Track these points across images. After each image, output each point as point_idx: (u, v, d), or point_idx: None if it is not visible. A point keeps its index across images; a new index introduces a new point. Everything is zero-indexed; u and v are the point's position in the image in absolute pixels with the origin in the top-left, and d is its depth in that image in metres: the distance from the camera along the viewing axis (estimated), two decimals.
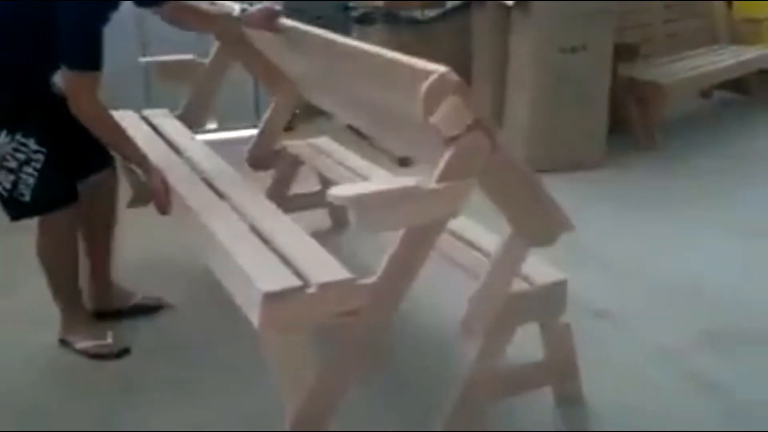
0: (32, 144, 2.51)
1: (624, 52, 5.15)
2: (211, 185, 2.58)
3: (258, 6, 2.85)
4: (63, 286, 2.76)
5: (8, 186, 2.54)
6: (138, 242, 3.39)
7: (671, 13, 6.00)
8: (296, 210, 3.18)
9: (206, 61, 3.33)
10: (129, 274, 3.10)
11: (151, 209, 2.70)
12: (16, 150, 2.51)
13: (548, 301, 2.38)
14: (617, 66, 5.05)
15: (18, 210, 2.59)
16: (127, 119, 3.13)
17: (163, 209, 2.59)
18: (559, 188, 4.22)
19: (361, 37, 5.28)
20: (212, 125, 4.74)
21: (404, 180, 2.00)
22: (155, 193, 2.58)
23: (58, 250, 2.69)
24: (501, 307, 2.25)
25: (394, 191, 1.95)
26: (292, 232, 2.25)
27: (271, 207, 2.40)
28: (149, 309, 3.01)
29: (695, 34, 6.16)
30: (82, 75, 2.45)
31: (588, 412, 2.52)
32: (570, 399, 2.52)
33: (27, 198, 2.55)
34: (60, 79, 2.55)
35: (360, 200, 1.91)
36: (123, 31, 3.45)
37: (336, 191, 1.92)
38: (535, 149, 4.75)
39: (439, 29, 5.35)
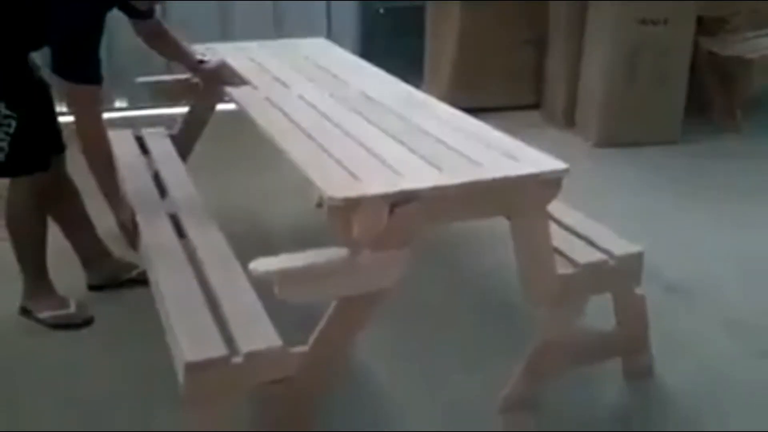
0: (3, 109, 2.56)
1: (707, 26, 4.89)
2: (176, 221, 2.55)
3: (214, 61, 3.04)
4: (27, 254, 2.83)
5: None
6: None
7: None
8: None
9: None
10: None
11: None
12: None
13: (624, 272, 2.41)
14: (698, 40, 4.81)
15: None
16: (120, 139, 3.11)
17: (131, 246, 2.58)
18: (632, 163, 4.44)
19: (434, 5, 5.31)
20: None
21: (335, 251, 1.94)
22: (122, 231, 2.61)
23: (24, 217, 2.76)
24: (570, 276, 2.30)
25: (319, 265, 1.89)
26: (238, 289, 2.20)
27: (227, 256, 2.36)
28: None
29: None
30: (79, 88, 2.47)
31: (656, 386, 2.56)
32: (639, 372, 2.58)
33: (2, 158, 2.62)
34: (57, 86, 2.56)
35: (284, 275, 1.86)
36: None
37: (259, 265, 1.87)
38: (607, 123, 4.70)
39: None
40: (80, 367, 2.65)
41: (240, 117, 2.75)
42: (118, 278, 3.07)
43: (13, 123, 2.57)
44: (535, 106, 5.30)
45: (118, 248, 3.08)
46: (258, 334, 2.01)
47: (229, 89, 2.95)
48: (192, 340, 1.97)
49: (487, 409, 2.40)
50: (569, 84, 4.99)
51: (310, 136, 2.38)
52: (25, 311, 2.89)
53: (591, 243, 2.44)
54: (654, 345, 2.58)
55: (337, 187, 1.96)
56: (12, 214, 2.76)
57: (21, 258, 2.84)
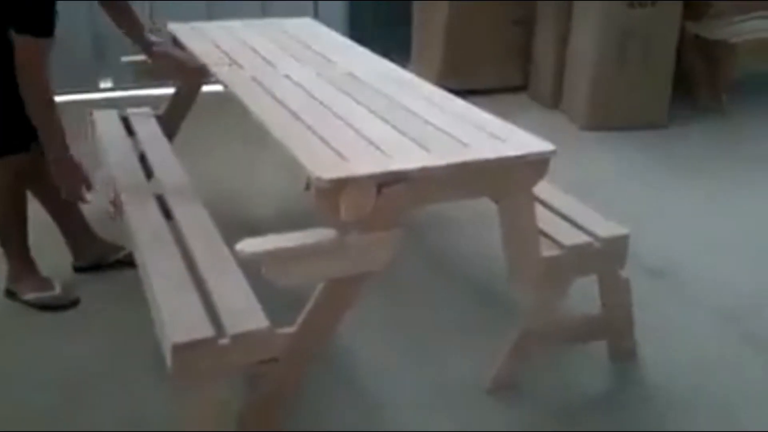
0: None
1: (693, 10, 4.89)
2: (162, 203, 2.54)
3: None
4: (8, 236, 2.83)
5: None
6: None
7: None
8: None
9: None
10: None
11: None
12: None
13: (609, 255, 2.43)
14: (685, 24, 4.82)
15: None
16: (105, 118, 3.09)
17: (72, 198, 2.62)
18: (619, 147, 4.46)
19: None
20: None
21: (323, 232, 1.93)
22: (61, 184, 2.59)
23: (2, 198, 2.74)
24: (555, 258, 2.31)
25: (302, 248, 1.88)
26: (225, 270, 2.19)
27: (213, 237, 2.34)
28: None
29: None
30: (30, 41, 2.41)
31: (640, 369, 2.59)
32: (623, 354, 2.60)
33: None
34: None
35: (271, 256, 1.85)
36: None
37: (246, 246, 1.86)
38: (596, 106, 4.72)
39: None
40: (66, 349, 2.64)
41: (227, 98, 2.73)
42: (105, 260, 3.06)
43: None
44: (524, 87, 5.30)
45: (104, 231, 3.09)
46: (245, 315, 2.00)
47: (212, 67, 2.92)
48: (179, 322, 1.96)
49: (474, 390, 2.42)
50: (557, 66, 5.01)
51: (297, 117, 2.37)
52: (10, 293, 2.88)
53: (576, 225, 2.45)
54: (638, 328, 2.60)
55: (324, 167, 1.95)
56: None
57: (2, 240, 2.83)
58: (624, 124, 4.67)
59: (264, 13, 5.23)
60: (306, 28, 3.59)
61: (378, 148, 2.11)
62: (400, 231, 1.99)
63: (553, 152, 2.13)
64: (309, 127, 2.27)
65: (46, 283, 2.88)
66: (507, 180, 2.14)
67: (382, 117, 2.38)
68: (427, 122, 2.34)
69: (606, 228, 2.44)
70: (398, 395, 2.43)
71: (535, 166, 2.13)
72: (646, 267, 3.08)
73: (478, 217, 2.93)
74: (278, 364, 2.00)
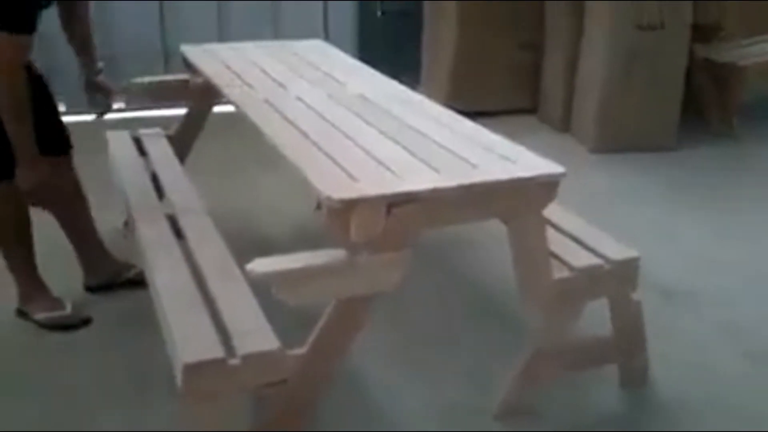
0: None
1: (702, 33, 4.91)
2: (173, 222, 2.55)
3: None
4: (14, 259, 2.82)
5: None
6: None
7: None
8: None
9: (201, 80, 3.28)
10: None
11: None
12: None
13: (620, 277, 2.42)
14: (694, 46, 4.84)
15: None
16: (117, 139, 3.11)
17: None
18: (628, 170, 4.48)
19: (432, 9, 5.36)
20: None
21: (334, 253, 1.94)
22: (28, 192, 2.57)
23: (4, 223, 2.74)
24: (566, 280, 2.31)
25: (313, 268, 1.89)
26: (236, 290, 2.19)
27: (224, 257, 2.35)
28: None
29: None
30: (13, 38, 2.34)
31: (652, 393, 2.58)
32: (635, 378, 2.59)
33: None
34: None
35: (282, 276, 1.86)
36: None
37: (257, 265, 1.87)
38: (604, 129, 4.73)
39: (511, 1, 5.19)
40: (77, 368, 2.64)
41: (238, 119, 2.75)
42: (116, 279, 3.07)
43: None
44: (532, 110, 5.32)
45: (116, 249, 3.10)
46: (255, 336, 2.00)
47: (224, 88, 2.94)
48: (189, 341, 1.97)
49: (483, 414, 2.41)
50: (566, 89, 5.02)
51: (308, 138, 2.39)
52: (21, 313, 2.89)
53: (587, 247, 2.45)
54: (650, 351, 2.58)
55: (334, 188, 1.96)
56: None
57: (9, 263, 2.84)
58: (633, 146, 4.68)
59: (275, 34, 5.28)
60: (316, 49, 3.63)
61: (388, 168, 2.12)
62: (409, 252, 1.99)
63: (563, 174, 2.14)
64: (320, 148, 2.29)
65: (56, 303, 2.89)
66: (517, 201, 2.15)
67: (393, 138, 2.39)
68: (437, 143, 2.35)
69: (617, 250, 2.43)
70: (406, 418, 2.42)
71: (545, 187, 2.14)
72: (657, 289, 3.07)
73: (490, 239, 2.96)
74: (289, 386, 2.00)
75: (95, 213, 3.05)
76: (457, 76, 5.18)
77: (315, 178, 2.03)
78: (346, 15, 5.75)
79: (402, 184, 2.00)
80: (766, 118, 5.31)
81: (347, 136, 2.40)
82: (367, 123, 2.53)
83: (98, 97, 3.07)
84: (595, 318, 2.48)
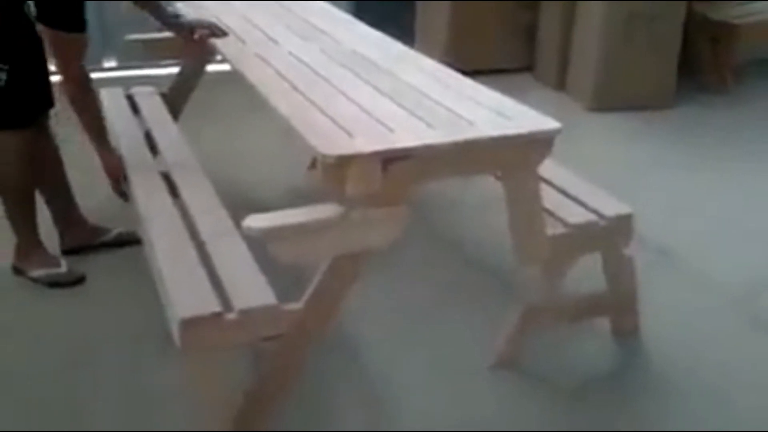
0: None
1: None
2: (168, 180, 2.56)
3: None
4: (16, 211, 2.84)
5: None
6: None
7: None
8: None
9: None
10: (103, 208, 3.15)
11: None
12: None
13: (613, 233, 2.46)
14: (691, 4, 4.82)
15: None
16: (111, 96, 3.11)
17: (122, 196, 2.67)
18: (625, 128, 4.49)
19: None
20: None
21: (329, 208, 1.95)
22: (109, 177, 2.68)
23: (9, 173, 2.75)
24: (560, 236, 2.34)
25: (310, 224, 1.91)
26: (232, 247, 2.22)
27: (219, 214, 2.37)
28: (125, 243, 3.04)
29: None
30: (68, 36, 2.48)
31: (643, 346, 2.61)
32: (627, 331, 2.63)
33: None
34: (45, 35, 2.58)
35: (273, 232, 1.88)
36: None
37: (252, 221, 1.89)
38: (601, 86, 4.72)
39: None
40: (72, 321, 2.68)
41: (230, 79, 2.75)
42: (92, 242, 3.07)
43: (3, 77, 2.57)
44: (529, 68, 5.30)
45: (92, 215, 3.11)
46: (252, 291, 2.03)
47: (217, 44, 2.93)
48: (186, 297, 2.00)
49: (477, 367, 2.45)
50: (562, 47, 5.00)
51: (302, 94, 2.39)
52: (17, 270, 2.91)
53: (581, 203, 2.48)
54: (641, 306, 2.62)
55: (330, 145, 1.97)
56: None
57: (11, 216, 2.86)
58: (629, 104, 4.68)
59: None
60: (313, 7, 3.60)
61: (383, 124, 2.13)
62: (405, 208, 2.01)
63: (558, 130, 2.15)
64: (314, 104, 2.30)
65: (53, 260, 2.92)
66: (512, 158, 2.16)
67: (388, 94, 2.39)
68: (432, 100, 2.35)
69: (610, 206, 2.46)
70: (401, 374, 2.46)
71: (540, 143, 2.15)
72: (652, 246, 3.10)
73: (484, 199, 2.99)
74: (284, 341, 2.03)
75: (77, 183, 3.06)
76: (453, 33, 5.16)
77: (310, 135, 2.04)
78: None
79: (398, 140, 2.01)
80: (760, 76, 5.30)
81: (342, 93, 2.40)
82: (362, 79, 2.53)
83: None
84: (588, 271, 2.51)
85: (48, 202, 3.01)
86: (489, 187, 2.38)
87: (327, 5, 3.66)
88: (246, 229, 1.89)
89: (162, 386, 2.34)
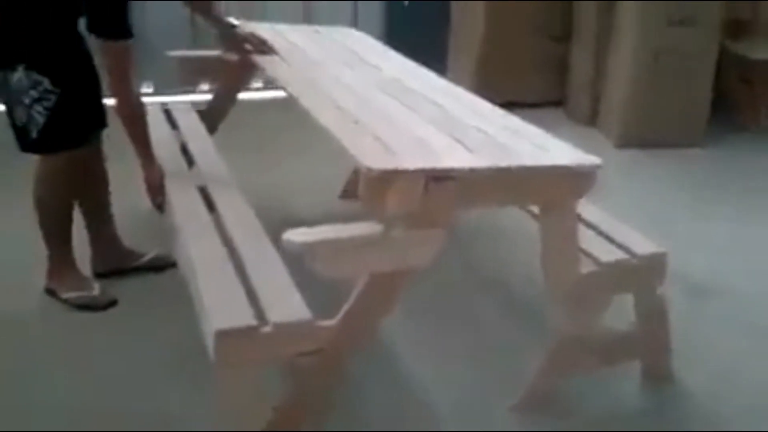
0: (47, 83, 2.58)
1: (733, 28, 4.93)
2: (205, 195, 2.58)
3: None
4: (53, 232, 2.84)
5: (23, 119, 2.63)
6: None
7: None
8: None
9: (234, 58, 3.29)
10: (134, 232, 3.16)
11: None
12: (30, 87, 2.58)
13: (646, 272, 2.42)
14: (725, 43, 4.84)
15: (26, 145, 2.69)
16: (149, 111, 3.13)
17: (159, 208, 2.68)
18: (655, 166, 4.48)
19: (463, 2, 5.33)
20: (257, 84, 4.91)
21: (368, 226, 1.96)
22: (149, 190, 2.68)
23: (52, 193, 2.77)
24: (592, 274, 2.30)
25: (350, 239, 1.93)
26: (268, 263, 2.23)
27: (256, 229, 2.39)
28: (157, 268, 3.05)
29: None
30: (116, 44, 2.52)
31: (675, 389, 2.55)
32: (659, 374, 2.57)
33: (34, 134, 2.64)
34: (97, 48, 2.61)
35: (314, 248, 1.89)
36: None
37: (290, 236, 1.89)
38: (631, 123, 4.73)
39: None
40: (104, 346, 2.66)
41: (262, 107, 2.76)
42: (126, 266, 3.06)
43: (54, 98, 2.59)
44: (559, 103, 5.32)
45: (128, 238, 3.12)
46: (287, 306, 2.04)
47: (262, 62, 2.95)
48: (222, 309, 2.00)
49: (503, 406, 2.40)
50: (594, 82, 5.03)
51: (347, 113, 2.41)
52: (49, 291, 2.90)
53: (614, 242, 2.45)
54: (674, 347, 2.56)
55: (375, 159, 1.97)
56: (40, 191, 2.77)
57: (47, 237, 2.85)
58: (659, 142, 4.68)
59: (305, 19, 5.30)
60: (350, 36, 3.64)
61: (427, 147, 2.14)
62: (444, 231, 2.01)
63: (599, 166, 2.15)
64: (359, 123, 2.32)
65: (85, 283, 2.90)
66: (553, 190, 2.16)
67: (430, 121, 2.41)
68: (473, 128, 2.37)
69: (643, 245, 2.43)
70: (426, 408, 2.41)
71: (582, 178, 2.15)
72: (682, 285, 3.03)
73: (517, 229, 2.93)
74: (319, 357, 2.02)
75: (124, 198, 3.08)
76: (483, 66, 5.21)
77: (354, 150, 2.05)
78: (373, 5, 5.77)
79: (441, 160, 2.02)
80: None
81: (386, 115, 2.42)
82: (404, 105, 2.55)
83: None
84: (620, 312, 2.46)
85: (88, 225, 3.01)
86: (520, 216, 2.35)
87: (362, 34, 3.70)
88: (286, 243, 1.90)
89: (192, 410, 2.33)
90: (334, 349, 2.04)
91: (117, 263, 3.04)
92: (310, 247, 1.89)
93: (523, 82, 5.25)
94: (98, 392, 2.45)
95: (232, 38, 3.09)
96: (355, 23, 5.40)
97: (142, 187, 2.72)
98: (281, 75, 2.84)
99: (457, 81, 3.30)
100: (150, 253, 3.07)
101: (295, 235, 1.91)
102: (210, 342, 1.94)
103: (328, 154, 2.31)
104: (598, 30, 4.95)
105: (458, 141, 2.22)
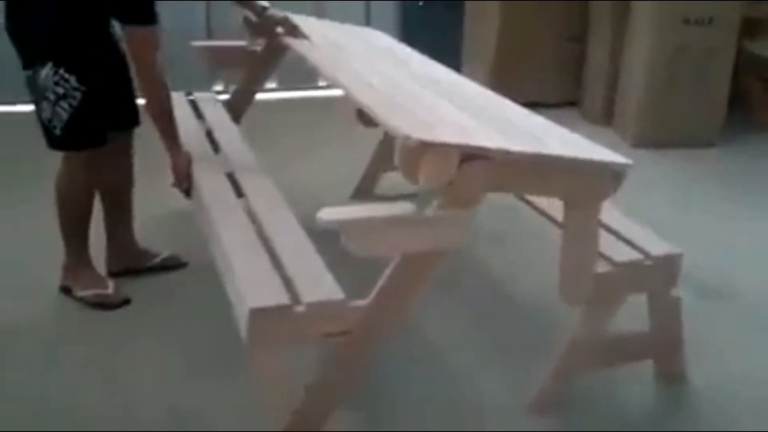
0: (73, 81, 2.59)
1: (750, 27, 4.91)
2: (233, 181, 2.59)
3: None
4: (72, 229, 2.84)
5: (48, 116, 2.63)
6: (154, 201, 3.40)
7: None
8: None
9: (258, 48, 3.31)
10: (147, 231, 3.16)
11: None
12: (56, 83, 2.58)
13: (661, 272, 2.40)
14: (742, 41, 4.82)
15: (51, 141, 2.69)
16: (174, 101, 3.15)
17: (186, 193, 2.69)
18: (671, 165, 4.46)
19: (477, 2, 5.35)
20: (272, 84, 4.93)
21: (402, 206, 1.97)
22: (175, 176, 2.69)
23: (74, 190, 2.77)
24: (606, 274, 2.29)
25: (383, 218, 1.94)
26: (298, 244, 2.25)
27: (284, 213, 2.40)
28: (168, 268, 3.06)
29: None
30: (141, 30, 2.53)
31: (687, 391, 2.53)
32: (671, 375, 2.55)
33: (58, 131, 2.64)
34: (121, 34, 2.63)
35: (348, 225, 1.89)
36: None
37: (325, 214, 1.90)
38: (647, 124, 4.73)
39: None
40: (116, 346, 2.66)
41: (274, 107, 2.75)
42: (139, 266, 3.05)
43: (79, 96, 2.60)
44: (574, 103, 5.33)
45: (144, 238, 3.12)
46: (320, 286, 2.05)
47: (292, 42, 2.97)
48: (255, 289, 2.01)
49: (516, 407, 2.38)
50: (609, 82, 5.03)
51: (382, 94, 2.41)
52: (64, 289, 2.90)
53: (629, 242, 2.43)
54: (690, 348, 2.54)
55: (411, 130, 1.96)
56: (62, 188, 2.77)
57: (65, 234, 2.84)
58: (675, 142, 4.68)
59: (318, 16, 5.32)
60: (373, 34, 3.65)
61: (462, 128, 2.15)
62: (475, 212, 2.01)
63: (630, 166, 2.15)
64: (395, 102, 2.33)
65: (100, 281, 2.90)
66: (582, 185, 2.15)
67: (463, 108, 2.41)
68: (506, 120, 2.37)
69: (658, 246, 2.41)
70: (437, 410, 2.39)
71: (612, 176, 2.15)
72: (696, 286, 3.00)
73: (526, 232, 3.01)
74: (350, 337, 2.02)
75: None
76: (499, 64, 5.21)
77: (393, 122, 2.05)
78: (387, 5, 5.80)
79: (477, 140, 2.02)
80: None
81: (420, 100, 2.43)
82: (438, 95, 2.55)
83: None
84: (634, 312, 2.43)
85: (108, 223, 3.01)
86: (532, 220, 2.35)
87: (384, 34, 3.71)
88: (320, 221, 1.90)
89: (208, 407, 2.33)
90: (366, 330, 2.04)
91: (132, 263, 3.04)
92: (344, 225, 1.89)
93: (539, 82, 5.25)
94: (113, 391, 2.43)
95: (265, 20, 3.09)
96: (367, 23, 5.41)
97: (163, 185, 2.72)
98: (315, 58, 2.84)
99: (472, 79, 3.32)
100: (163, 253, 3.08)
101: (327, 214, 1.91)
102: (243, 321, 1.95)
103: (338, 155, 2.34)
104: (614, 30, 4.96)
105: (494, 128, 2.23)
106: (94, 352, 2.61)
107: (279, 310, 1.94)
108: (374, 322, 2.04)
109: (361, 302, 2.03)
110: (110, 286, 2.88)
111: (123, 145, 2.88)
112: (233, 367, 2.31)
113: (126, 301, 2.86)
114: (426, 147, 1.88)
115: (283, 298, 1.97)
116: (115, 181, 2.93)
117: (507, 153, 2.00)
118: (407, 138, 1.89)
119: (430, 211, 1.97)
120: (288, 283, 2.04)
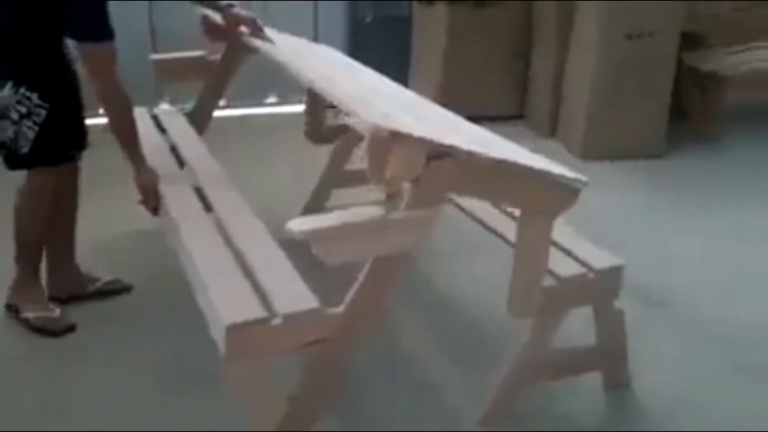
0: (35, 98, 2.57)
1: (689, 41, 5.00)
2: (201, 195, 2.57)
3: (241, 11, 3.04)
4: (29, 247, 2.80)
5: (11, 136, 2.60)
6: (95, 225, 3.34)
7: (740, 3, 5.64)
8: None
9: (217, 57, 3.28)
10: (87, 256, 3.10)
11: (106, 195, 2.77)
12: (19, 102, 2.56)
13: (604, 286, 2.44)
14: (682, 54, 4.91)
15: (15, 161, 2.66)
16: (137, 117, 3.12)
17: (153, 211, 2.66)
18: (616, 177, 4.49)
19: (421, 16, 5.37)
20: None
21: (370, 210, 1.98)
22: (142, 193, 2.65)
23: (36, 207, 2.73)
24: (551, 289, 2.31)
25: (353, 224, 1.96)
26: (270, 255, 2.24)
27: (255, 225, 2.42)
28: (113, 292, 3.02)
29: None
30: (97, 47, 2.50)
31: (635, 399, 2.57)
32: (618, 384, 2.58)
33: (26, 150, 2.62)
34: (78, 52, 2.58)
35: (317, 234, 1.90)
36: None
37: (294, 224, 1.90)
38: (592, 136, 4.76)
39: (500, 9, 5.21)
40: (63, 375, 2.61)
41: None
42: (82, 292, 2.99)
43: (44, 113, 2.58)
44: (521, 116, 5.35)
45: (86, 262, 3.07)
46: (295, 296, 2.06)
47: (255, 41, 2.97)
48: (230, 304, 2.01)
49: (465, 421, 2.40)
50: (554, 95, 5.07)
51: (350, 90, 2.41)
52: (10, 308, 2.85)
53: (572, 256, 2.46)
54: (634, 358, 2.59)
55: (382, 122, 1.96)
56: (25, 206, 2.73)
57: (20, 251, 2.81)
58: (620, 154, 4.71)
59: None
60: (319, 48, 3.66)
61: (429, 130, 2.15)
62: (438, 212, 2.03)
63: (585, 184, 2.20)
64: (362, 99, 2.35)
65: (47, 304, 2.85)
66: (539, 197, 2.19)
67: (422, 118, 2.41)
68: (467, 128, 2.38)
69: (600, 259, 2.44)
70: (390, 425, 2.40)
71: (567, 192, 2.20)
72: (641, 296, 3.06)
73: (470, 248, 3.04)
74: (328, 345, 2.03)
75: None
76: (446, 79, 5.20)
77: (362, 114, 2.06)
78: (335, 22, 5.74)
79: (443, 140, 2.02)
80: (748, 124, 5.32)
81: (381, 108, 2.41)
82: (399, 107, 2.54)
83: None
84: (580, 325, 2.48)
85: (53, 249, 2.93)
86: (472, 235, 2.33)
87: (335, 51, 3.67)
88: (289, 232, 1.90)
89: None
90: (343, 335, 2.05)
91: (76, 289, 2.99)
92: (314, 234, 1.90)
93: (486, 95, 5.24)
94: (64, 419, 2.39)
95: (230, 18, 3.05)
96: (315, 40, 5.35)
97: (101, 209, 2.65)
98: (280, 57, 2.82)
99: (420, 94, 3.31)
100: (104, 278, 3.03)
101: (297, 225, 1.91)
102: (220, 337, 1.94)
103: (286, 173, 2.26)
104: (557, 43, 5.00)
105: (456, 134, 2.24)
106: (41, 380, 2.55)
107: (256, 324, 1.94)
108: (351, 327, 2.06)
109: (337, 309, 2.04)
110: (56, 311, 2.83)
111: (71, 169, 2.82)
112: (197, 386, 2.33)
113: (70, 328, 2.80)
114: (396, 138, 1.89)
115: (259, 312, 1.97)
116: (64, 206, 2.87)
117: (473, 155, 2.02)
118: (378, 128, 1.89)
119: (396, 214, 1.98)
120: (263, 295, 2.05)
